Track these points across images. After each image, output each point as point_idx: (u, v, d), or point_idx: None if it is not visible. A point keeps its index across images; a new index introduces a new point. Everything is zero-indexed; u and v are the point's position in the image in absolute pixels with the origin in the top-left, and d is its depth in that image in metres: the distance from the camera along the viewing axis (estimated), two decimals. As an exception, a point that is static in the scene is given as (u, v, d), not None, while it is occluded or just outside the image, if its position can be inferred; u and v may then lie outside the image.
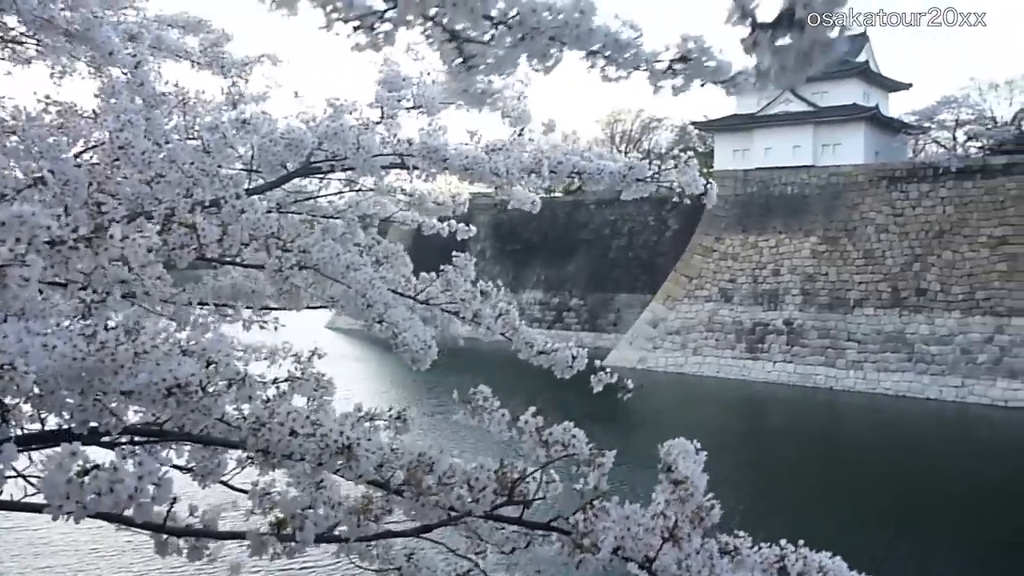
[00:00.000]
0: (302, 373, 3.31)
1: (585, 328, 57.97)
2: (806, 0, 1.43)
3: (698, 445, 2.87)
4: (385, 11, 2.36)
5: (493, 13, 2.13)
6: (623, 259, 58.85)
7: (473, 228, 4.55)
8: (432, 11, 2.18)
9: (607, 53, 2.13)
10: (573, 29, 2.10)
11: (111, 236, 2.50)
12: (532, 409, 2.94)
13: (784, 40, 1.48)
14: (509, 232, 59.90)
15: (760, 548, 2.49)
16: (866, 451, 31.38)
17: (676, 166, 3.80)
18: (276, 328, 5.11)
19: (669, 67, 2.13)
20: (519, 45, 2.14)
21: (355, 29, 2.48)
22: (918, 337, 42.96)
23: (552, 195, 55.35)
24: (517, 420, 2.96)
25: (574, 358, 4.24)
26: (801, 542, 2.48)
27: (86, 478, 2.06)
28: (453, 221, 4.80)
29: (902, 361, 42.86)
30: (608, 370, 4.33)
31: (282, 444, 2.71)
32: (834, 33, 1.45)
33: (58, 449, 2.15)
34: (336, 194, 4.82)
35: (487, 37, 2.20)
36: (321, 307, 4.60)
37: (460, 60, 2.34)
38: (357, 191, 4.83)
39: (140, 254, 2.61)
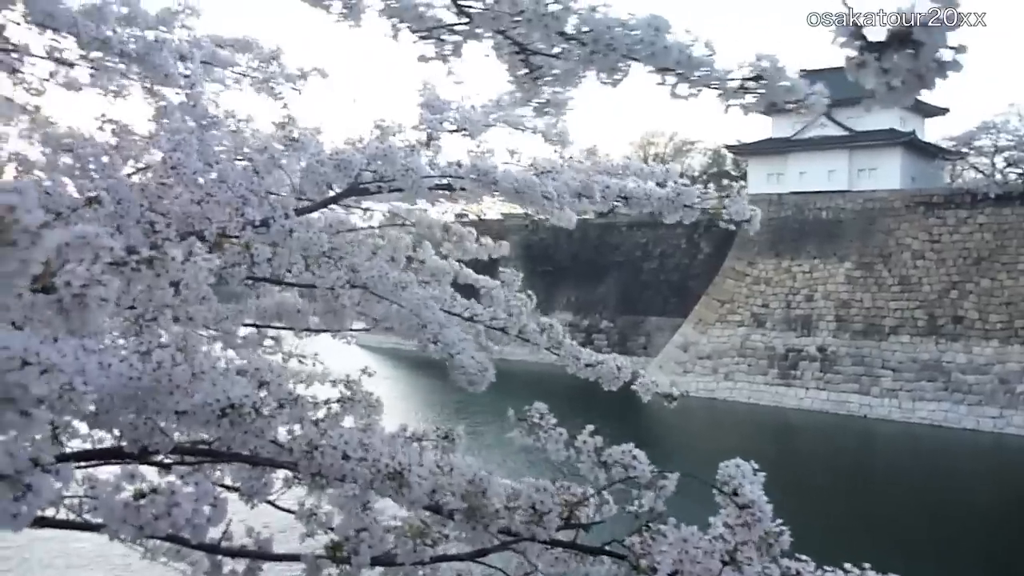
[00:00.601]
0: (352, 393, 3.32)
1: (615, 351, 56.88)
2: (923, 19, 1.41)
3: (755, 466, 2.82)
4: (455, 24, 2.38)
5: (567, 29, 2.13)
6: (654, 282, 58.59)
7: (517, 280, 4.56)
8: (506, 23, 2.19)
9: (679, 70, 2.12)
10: (648, 47, 2.10)
11: (173, 258, 2.51)
12: (589, 428, 2.92)
13: (894, 60, 1.46)
14: (540, 253, 59.87)
15: (823, 572, 2.44)
16: (903, 482, 30.86)
17: (728, 194, 3.78)
18: (315, 364, 5.13)
19: (741, 86, 2.10)
20: (589, 59, 2.15)
21: (422, 39, 2.50)
22: (955, 366, 42.28)
23: (584, 217, 55.28)
24: (574, 440, 2.94)
25: (619, 368, 4.31)
26: (867, 565, 2.42)
27: (143, 500, 2.06)
28: (487, 277, 4.79)
29: (938, 390, 42.18)
30: (653, 380, 4.37)
31: (335, 468, 2.70)
32: (948, 54, 1.42)
33: (116, 470, 2.16)
34: (378, 227, 4.85)
35: (556, 50, 2.21)
36: (363, 330, 4.61)
37: (526, 71, 2.35)
38: (401, 225, 4.85)
39: (200, 275, 2.62)
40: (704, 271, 54.75)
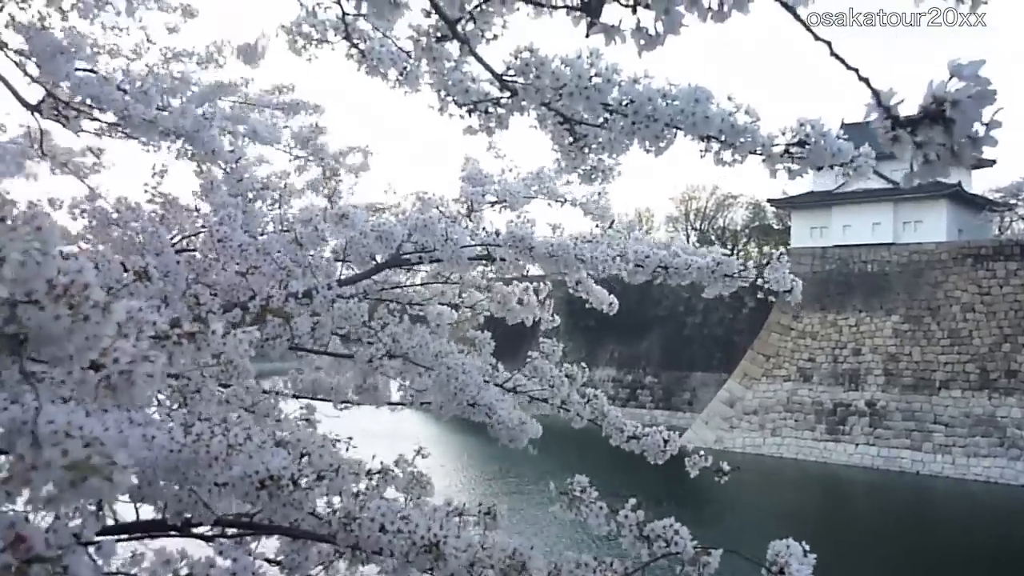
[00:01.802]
0: (403, 472, 3.32)
1: (660, 406, 57.09)
2: (954, 98, 1.41)
3: (807, 546, 2.75)
4: (500, 98, 2.42)
5: (609, 100, 2.17)
6: (698, 336, 58.07)
7: (558, 318, 4.59)
8: (549, 96, 2.23)
9: (722, 138, 2.13)
10: (689, 117, 2.11)
11: (213, 332, 2.55)
12: (632, 502, 2.88)
13: (928, 136, 1.46)
14: (582, 309, 59.10)
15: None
16: (963, 543, 29.88)
17: (768, 263, 3.75)
18: (348, 449, 5.09)
19: (786, 151, 2.10)
20: (632, 130, 2.17)
21: (469, 113, 2.55)
22: (1010, 421, 41.14)
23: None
24: (616, 513, 2.90)
25: (666, 442, 4.19)
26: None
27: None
28: (539, 311, 4.82)
29: (993, 446, 41.01)
30: (703, 453, 4.25)
31: (372, 540, 2.69)
32: (982, 129, 1.42)
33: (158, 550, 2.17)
34: (422, 284, 4.90)
35: (600, 120, 2.23)
36: (399, 404, 4.61)
37: (571, 140, 2.38)
38: (444, 282, 4.89)
39: (241, 349, 2.66)
40: (749, 325, 54.16)
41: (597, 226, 4.53)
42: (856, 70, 1.58)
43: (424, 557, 2.64)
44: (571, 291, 4.82)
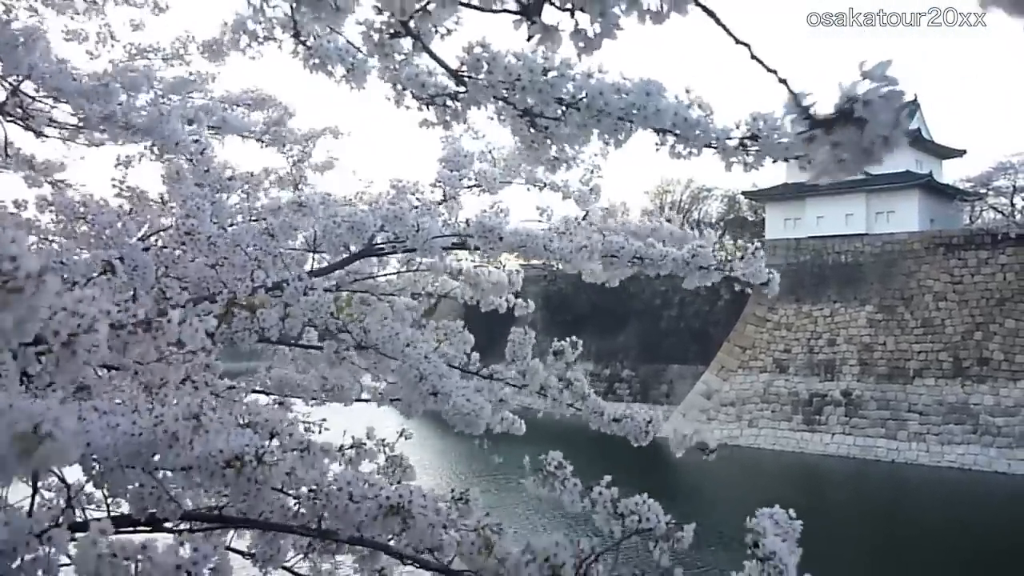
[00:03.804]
0: (387, 458, 3.29)
1: (637, 400, 57.20)
2: (865, 99, 1.45)
3: (792, 514, 2.72)
4: (457, 92, 2.41)
5: (562, 95, 2.16)
6: (675, 330, 58.31)
7: (531, 304, 4.57)
8: (503, 91, 2.22)
9: (677, 131, 2.13)
10: (641, 110, 2.11)
11: (168, 321, 2.49)
12: (606, 478, 2.85)
13: (842, 135, 1.50)
14: (559, 304, 59.73)
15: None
16: (941, 530, 30.18)
17: (743, 256, 3.75)
18: (321, 431, 5.07)
19: (740, 144, 2.11)
20: (589, 123, 2.17)
21: (427, 106, 2.53)
22: (983, 408, 41.61)
23: (602, 266, 55.11)
24: (590, 491, 2.87)
25: (649, 422, 4.17)
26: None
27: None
28: (513, 296, 4.80)
29: (967, 433, 41.47)
30: (686, 434, 4.24)
31: (340, 510, 2.65)
32: (895, 130, 1.46)
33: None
34: (394, 273, 4.87)
35: (558, 113, 2.23)
36: (368, 400, 4.57)
37: (532, 131, 2.36)
38: (415, 271, 4.85)
39: (197, 338, 2.60)
40: (724, 318, 54.45)
41: (583, 211, 4.52)
42: (775, 71, 1.61)
43: (392, 519, 2.60)
44: (547, 276, 4.82)
